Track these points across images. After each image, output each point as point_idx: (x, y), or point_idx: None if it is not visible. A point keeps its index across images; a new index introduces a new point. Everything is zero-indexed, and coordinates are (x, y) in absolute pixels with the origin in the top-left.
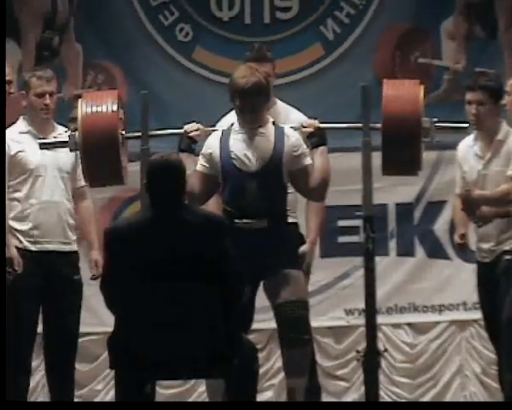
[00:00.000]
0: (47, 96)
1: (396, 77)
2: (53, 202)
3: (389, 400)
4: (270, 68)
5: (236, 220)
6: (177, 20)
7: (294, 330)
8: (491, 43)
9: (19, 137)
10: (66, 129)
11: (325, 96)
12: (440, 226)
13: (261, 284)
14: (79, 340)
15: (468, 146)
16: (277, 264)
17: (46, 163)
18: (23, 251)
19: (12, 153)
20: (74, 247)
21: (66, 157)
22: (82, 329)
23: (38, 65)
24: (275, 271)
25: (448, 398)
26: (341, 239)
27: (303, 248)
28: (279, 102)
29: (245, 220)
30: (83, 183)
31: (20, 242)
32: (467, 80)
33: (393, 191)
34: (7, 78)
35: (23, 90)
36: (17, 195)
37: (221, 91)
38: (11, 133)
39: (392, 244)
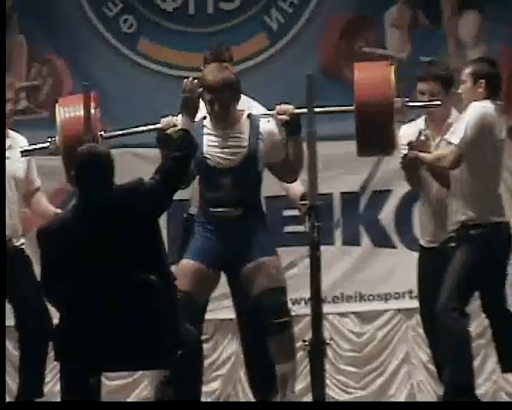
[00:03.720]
0: (8, 103)
1: (340, 66)
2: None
3: (336, 389)
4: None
5: (211, 209)
6: (121, 11)
7: (279, 315)
8: (436, 31)
9: None
10: (16, 134)
11: (270, 87)
12: (386, 215)
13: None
14: None
15: (420, 130)
16: (252, 252)
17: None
18: None
19: None
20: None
21: (18, 165)
22: None
23: None
24: (250, 259)
25: (395, 387)
26: (287, 229)
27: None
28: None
29: (220, 209)
30: (36, 185)
31: None
32: (416, 71)
33: (339, 180)
34: None
35: None
36: None
37: (165, 82)
38: None
39: (338, 233)
